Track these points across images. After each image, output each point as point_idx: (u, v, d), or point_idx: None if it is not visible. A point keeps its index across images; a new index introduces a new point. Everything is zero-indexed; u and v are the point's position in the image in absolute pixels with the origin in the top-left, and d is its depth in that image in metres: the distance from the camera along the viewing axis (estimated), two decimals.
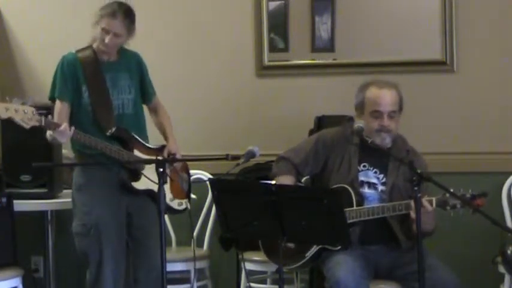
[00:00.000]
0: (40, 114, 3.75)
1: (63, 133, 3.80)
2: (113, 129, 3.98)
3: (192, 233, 4.14)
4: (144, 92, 4.21)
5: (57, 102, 4.02)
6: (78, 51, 4.08)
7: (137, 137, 4.08)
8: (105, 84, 4.04)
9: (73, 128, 3.85)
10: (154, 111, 4.29)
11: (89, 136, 3.89)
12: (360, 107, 3.96)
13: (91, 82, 4.02)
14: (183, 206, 4.19)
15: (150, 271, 4.07)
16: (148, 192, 3.99)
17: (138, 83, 4.16)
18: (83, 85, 4.02)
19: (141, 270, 4.10)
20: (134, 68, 4.15)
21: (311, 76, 4.98)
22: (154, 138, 4.23)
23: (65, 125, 3.80)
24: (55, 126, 3.80)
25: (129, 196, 4.04)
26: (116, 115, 4.04)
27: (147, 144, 4.13)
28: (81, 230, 4.01)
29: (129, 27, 4.01)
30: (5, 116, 3.64)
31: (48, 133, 3.89)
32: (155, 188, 3.74)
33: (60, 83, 4.02)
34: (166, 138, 4.21)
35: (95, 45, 4.07)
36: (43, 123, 3.74)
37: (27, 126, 3.69)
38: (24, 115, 3.67)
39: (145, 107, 4.26)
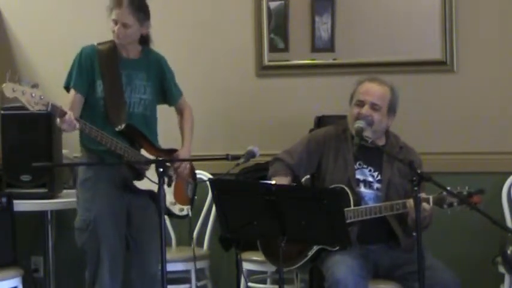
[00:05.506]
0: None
1: (67, 123, 3.75)
2: (123, 125, 3.95)
3: (191, 238, 4.11)
4: (166, 93, 4.19)
5: (72, 92, 4.00)
6: (99, 44, 4.07)
7: (147, 137, 4.06)
8: (120, 80, 4.01)
9: (80, 120, 3.81)
10: (180, 112, 4.28)
11: (96, 129, 3.86)
12: (351, 98, 4.02)
13: (106, 77, 4.00)
14: (184, 213, 4.16)
15: (144, 274, 4.07)
16: (150, 193, 3.98)
17: (157, 84, 4.13)
18: (98, 79, 4.00)
19: (134, 271, 4.09)
20: (154, 69, 4.13)
21: (311, 76, 4.98)
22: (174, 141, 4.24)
23: (69, 114, 3.74)
24: (61, 114, 3.74)
25: (130, 194, 4.03)
26: (126, 113, 4.01)
27: (156, 145, 4.12)
28: (81, 225, 4.02)
29: (137, 16, 3.97)
30: (11, 95, 3.60)
31: (57, 120, 3.83)
32: (157, 189, 3.74)
33: (76, 74, 4.01)
34: (182, 142, 4.21)
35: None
36: (49, 109, 3.69)
37: (32, 109, 3.64)
38: (31, 98, 3.62)
39: (167, 109, 4.26)
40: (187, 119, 4.25)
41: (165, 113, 4.28)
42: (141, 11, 4.01)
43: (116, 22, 3.97)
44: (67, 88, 4.04)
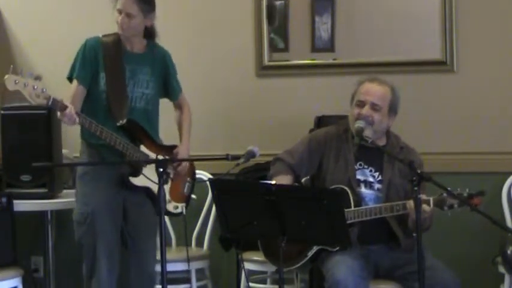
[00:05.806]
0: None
1: (68, 117, 3.73)
2: (124, 120, 3.95)
3: (186, 238, 4.11)
4: (168, 88, 4.19)
5: (74, 83, 3.98)
6: (103, 36, 4.05)
7: (148, 132, 4.05)
8: (123, 74, 4.00)
9: (81, 114, 3.80)
10: (179, 108, 4.28)
11: (96, 124, 3.85)
12: (351, 98, 4.02)
13: (110, 70, 3.98)
14: (179, 210, 4.14)
15: (142, 273, 4.08)
16: (146, 190, 3.98)
17: (160, 79, 4.13)
18: (102, 71, 3.99)
19: (133, 270, 4.09)
20: (158, 64, 4.12)
21: (311, 76, 4.98)
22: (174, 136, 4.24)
23: (70, 108, 3.73)
24: (62, 108, 3.72)
25: (127, 191, 4.02)
26: (128, 107, 4.00)
27: (157, 141, 4.12)
28: (79, 218, 4.02)
29: (142, 6, 3.96)
30: (13, 88, 3.58)
31: (58, 114, 3.81)
32: (153, 186, 3.73)
33: (80, 65, 3.99)
34: (180, 139, 4.21)
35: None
36: (50, 103, 3.67)
37: (33, 102, 3.63)
38: (32, 91, 3.61)
39: (166, 104, 4.26)
40: (185, 116, 4.26)
41: (165, 108, 4.28)
42: (146, 1, 4.00)
43: (120, 12, 3.96)
44: (70, 79, 4.03)
